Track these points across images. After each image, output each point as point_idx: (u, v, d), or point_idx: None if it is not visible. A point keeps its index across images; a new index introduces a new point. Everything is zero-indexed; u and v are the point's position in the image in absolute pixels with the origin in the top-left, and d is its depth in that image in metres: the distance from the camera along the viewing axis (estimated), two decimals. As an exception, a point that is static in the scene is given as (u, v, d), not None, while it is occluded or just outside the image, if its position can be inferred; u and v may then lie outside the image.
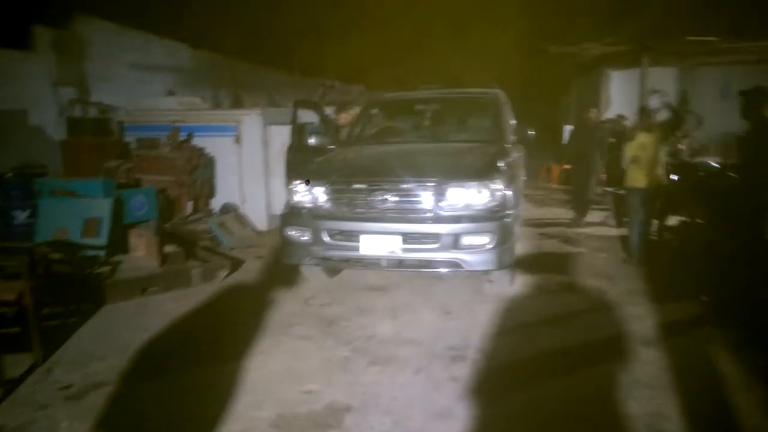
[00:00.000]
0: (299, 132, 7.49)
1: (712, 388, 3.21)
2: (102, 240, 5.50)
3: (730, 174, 6.50)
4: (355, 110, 8.98)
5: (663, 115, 8.07)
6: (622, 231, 7.06)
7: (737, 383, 3.24)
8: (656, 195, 5.97)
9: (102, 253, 5.43)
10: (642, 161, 5.75)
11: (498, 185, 4.45)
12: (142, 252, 5.52)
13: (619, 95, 13.57)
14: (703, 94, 13.49)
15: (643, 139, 5.81)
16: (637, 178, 5.79)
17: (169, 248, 5.47)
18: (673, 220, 6.61)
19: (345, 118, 8.02)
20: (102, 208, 5.66)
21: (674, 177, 6.61)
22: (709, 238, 5.90)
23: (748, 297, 4.36)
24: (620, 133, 8.11)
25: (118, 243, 5.65)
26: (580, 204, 8.20)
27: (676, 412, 2.95)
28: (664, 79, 13.25)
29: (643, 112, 6.37)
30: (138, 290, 4.94)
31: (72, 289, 4.66)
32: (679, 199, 6.44)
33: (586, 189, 8.03)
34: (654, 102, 5.71)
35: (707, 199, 6.02)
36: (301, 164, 6.21)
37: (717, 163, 7.90)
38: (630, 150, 5.87)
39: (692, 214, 6.35)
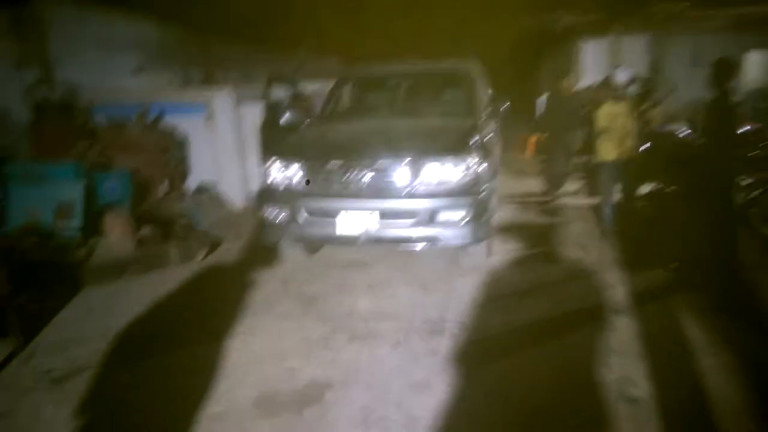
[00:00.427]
0: (273, 109, 7.41)
1: (680, 354, 3.35)
2: (76, 223, 5.43)
3: (700, 142, 6.67)
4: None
5: (633, 89, 8.06)
6: (597, 200, 7.17)
7: (705, 348, 3.38)
8: (628, 167, 5.82)
9: (77, 236, 5.36)
10: (612, 132, 5.62)
11: (472, 159, 4.49)
12: (117, 235, 5.46)
13: (592, 65, 13.64)
14: (674, 61, 13.65)
15: (612, 108, 5.64)
16: (608, 151, 5.66)
17: (144, 230, 5.43)
18: (645, 188, 6.75)
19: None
20: (74, 190, 5.57)
21: (646, 145, 6.75)
22: (681, 205, 6.07)
23: (718, 263, 4.52)
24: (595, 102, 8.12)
25: (93, 226, 5.57)
26: (554, 176, 7.99)
27: (644, 377, 3.08)
28: (635, 48, 13.35)
29: (606, 82, 6.24)
30: (116, 273, 4.92)
31: (49, 274, 4.62)
32: (651, 167, 6.57)
33: (560, 161, 7.84)
34: (622, 75, 5.61)
35: (678, 167, 6.17)
36: (275, 142, 6.17)
37: (687, 130, 8.08)
38: (598, 121, 5.69)
39: (664, 181, 6.51)
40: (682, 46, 13.58)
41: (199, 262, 5.37)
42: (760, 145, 5.88)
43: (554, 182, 7.93)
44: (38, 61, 9.45)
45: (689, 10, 10.83)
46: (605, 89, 5.82)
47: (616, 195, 5.92)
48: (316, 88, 8.55)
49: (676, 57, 13.65)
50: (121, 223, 5.38)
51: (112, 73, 10.20)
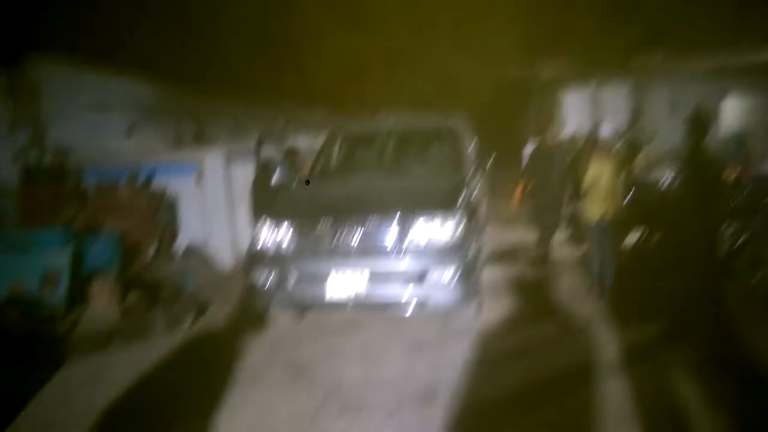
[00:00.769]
0: (264, 168, 7.47)
1: (675, 415, 3.30)
2: (61, 292, 5.35)
3: (681, 193, 6.76)
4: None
5: (619, 143, 8.04)
6: (586, 253, 7.18)
7: (696, 406, 3.33)
8: (617, 229, 5.48)
9: (61, 306, 5.28)
10: (599, 191, 5.30)
11: (461, 217, 4.52)
12: (103, 302, 5.38)
13: (574, 113, 14.00)
14: (654, 109, 14.05)
15: (600, 166, 5.32)
16: (595, 211, 5.35)
17: (131, 297, 5.36)
18: (631, 237, 6.80)
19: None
20: (61, 258, 5.51)
21: (631, 194, 6.82)
22: (667, 254, 6.10)
23: (706, 314, 4.50)
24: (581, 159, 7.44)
25: (78, 294, 5.49)
26: (544, 230, 7.53)
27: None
28: (615, 97, 13.75)
29: (592, 137, 5.90)
30: (100, 344, 4.81)
31: (32, 347, 4.52)
32: (636, 216, 6.63)
33: (549, 214, 7.44)
34: (606, 129, 5.42)
35: (661, 217, 6.24)
36: (266, 202, 6.19)
37: (670, 178, 8.21)
38: (585, 179, 5.41)
39: (649, 230, 6.57)
40: (661, 94, 14.01)
41: (187, 329, 5.28)
42: (743, 192, 5.97)
43: (544, 236, 7.57)
44: (30, 122, 9.55)
45: (667, 60, 11.22)
46: (591, 144, 5.54)
47: (606, 256, 5.49)
48: (305, 144, 8.64)
49: (655, 104, 14.07)
50: (107, 290, 5.31)
51: (104, 134, 10.31)
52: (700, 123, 4.77)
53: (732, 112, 13.78)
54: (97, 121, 10.97)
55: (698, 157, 4.73)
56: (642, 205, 6.49)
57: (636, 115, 13.33)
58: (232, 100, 17.11)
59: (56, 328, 4.84)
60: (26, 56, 9.91)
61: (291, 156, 7.69)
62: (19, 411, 3.78)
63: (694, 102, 13.46)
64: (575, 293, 5.82)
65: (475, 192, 5.63)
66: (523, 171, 8.52)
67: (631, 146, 7.90)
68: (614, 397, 3.55)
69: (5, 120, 9.10)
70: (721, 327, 4.32)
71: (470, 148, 6.68)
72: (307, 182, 5.94)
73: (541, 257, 7.22)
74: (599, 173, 5.30)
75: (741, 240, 5.61)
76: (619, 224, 5.53)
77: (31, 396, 3.99)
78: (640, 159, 10.46)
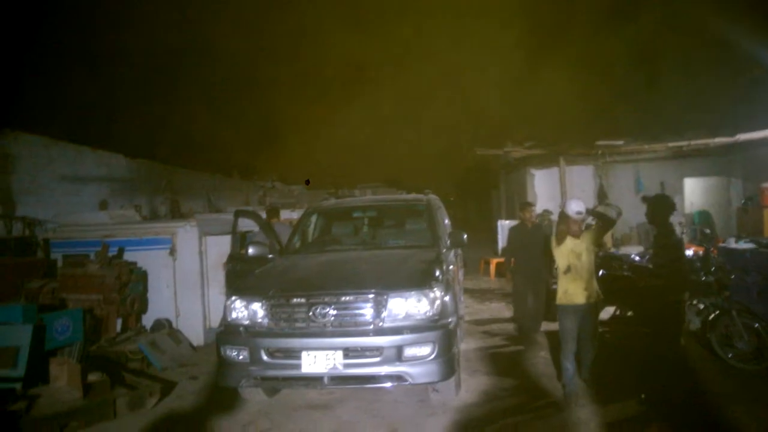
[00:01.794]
0: (239, 241, 7.44)
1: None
2: (19, 371, 5.05)
3: (650, 269, 6.93)
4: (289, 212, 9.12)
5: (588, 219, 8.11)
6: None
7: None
8: (593, 313, 4.99)
9: (18, 385, 4.98)
10: (574, 272, 4.87)
11: (437, 293, 4.52)
12: (63, 382, 5.08)
13: (543, 191, 14.49)
14: (619, 187, 14.66)
15: (574, 245, 4.91)
16: (572, 292, 4.85)
17: (93, 376, 5.11)
18: (604, 313, 6.85)
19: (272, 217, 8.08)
20: (20, 335, 5.25)
21: (602, 271, 6.94)
22: (639, 332, 6.15)
23: (680, 392, 4.50)
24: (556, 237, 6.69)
25: (38, 372, 5.19)
26: (532, 322, 7.22)
27: None
28: (582, 176, 14.34)
29: (563, 215, 5.13)
30: (57, 427, 4.51)
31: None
32: (608, 291, 6.72)
33: (534, 297, 7.13)
34: (573, 207, 5.09)
35: (631, 295, 6.33)
36: (241, 275, 6.11)
37: (638, 254, 8.42)
38: (560, 259, 4.97)
39: (622, 307, 6.63)
40: (625, 174, 14.67)
41: (150, 409, 5.01)
42: (711, 269, 6.13)
43: (532, 322, 7.23)
44: (-1, 194, 9.44)
45: (628, 145, 11.86)
46: (563, 223, 5.02)
47: (585, 336, 4.94)
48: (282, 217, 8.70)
49: (620, 183, 14.69)
50: (68, 369, 5.04)
51: (76, 208, 10.22)
52: (663, 204, 4.99)
53: (693, 191, 14.45)
54: (69, 195, 10.93)
55: (663, 238, 4.91)
56: (614, 278, 6.59)
57: (602, 193, 13.85)
58: (206, 176, 17.27)
59: (13, 409, 4.53)
60: (0, 131, 9.96)
61: (269, 229, 7.71)
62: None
63: (658, 181, 14.21)
64: (554, 367, 5.75)
65: (451, 266, 5.67)
66: (504, 249, 8.44)
67: (600, 222, 8.03)
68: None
69: (-26, 191, 8.98)
70: (699, 405, 4.31)
71: (445, 223, 6.82)
72: (281, 257, 5.91)
73: (529, 329, 7.19)
74: (576, 251, 4.90)
75: (712, 316, 5.70)
76: (598, 304, 5.04)
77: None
78: (608, 235, 10.77)
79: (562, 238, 4.95)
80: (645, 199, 5.22)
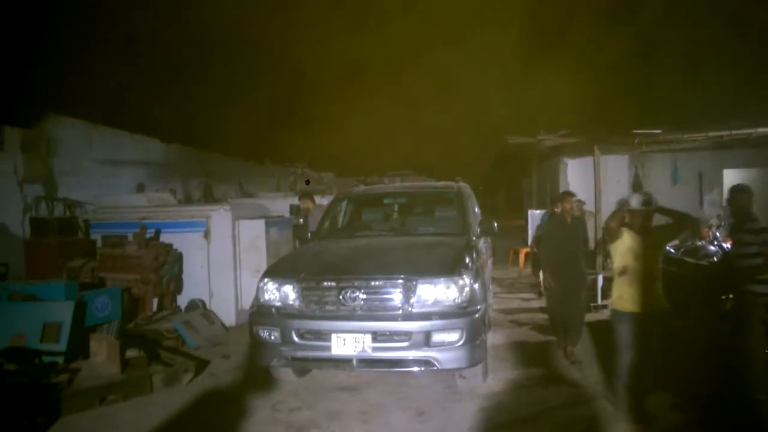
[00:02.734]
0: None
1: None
2: (61, 346, 5.28)
3: (687, 260, 6.78)
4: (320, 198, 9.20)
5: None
6: (593, 315, 7.08)
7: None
8: (654, 326, 4.15)
9: (61, 359, 5.20)
10: (633, 274, 4.16)
11: (466, 280, 4.52)
12: (102, 357, 5.29)
13: (576, 181, 14.21)
14: (655, 178, 14.28)
15: (634, 243, 4.20)
16: (628, 298, 4.18)
17: (131, 352, 5.29)
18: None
19: (306, 203, 8.14)
20: (62, 311, 5.48)
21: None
22: (673, 323, 6.02)
23: (716, 386, 4.40)
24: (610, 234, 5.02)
25: (79, 347, 5.41)
26: (569, 326, 5.88)
27: None
28: (617, 165, 14.01)
29: (622, 210, 4.36)
30: (96, 400, 4.70)
31: (26, 400, 4.42)
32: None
33: (573, 304, 5.89)
34: (635, 201, 4.25)
35: (668, 286, 6.19)
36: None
37: (674, 247, 8.23)
38: (616, 257, 4.33)
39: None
40: (661, 164, 14.27)
41: (185, 386, 5.17)
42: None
43: (572, 333, 5.89)
44: (42, 178, 9.78)
45: (666, 134, 11.51)
46: (619, 218, 4.29)
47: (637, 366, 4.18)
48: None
49: (656, 173, 14.30)
50: (107, 345, 5.24)
51: (114, 190, 10.52)
52: (743, 194, 4.68)
53: (732, 183, 13.97)
54: (108, 178, 11.25)
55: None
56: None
57: (637, 183, 13.52)
58: (238, 161, 17.52)
59: (54, 381, 4.74)
60: (44, 114, 10.28)
61: (299, 213, 7.86)
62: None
63: (696, 172, 13.78)
64: (582, 356, 5.69)
65: (481, 254, 5.65)
66: (538, 243, 7.09)
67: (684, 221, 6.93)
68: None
69: (19, 173, 9.32)
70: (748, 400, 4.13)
71: (475, 211, 6.79)
72: (312, 241, 5.99)
73: (569, 351, 5.76)
74: (636, 251, 4.19)
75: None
76: (662, 315, 4.22)
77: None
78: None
79: (616, 234, 4.27)
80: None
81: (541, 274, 7.73)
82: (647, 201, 4.20)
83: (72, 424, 4.35)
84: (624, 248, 4.26)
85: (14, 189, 9.10)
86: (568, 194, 6.33)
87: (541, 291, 8.31)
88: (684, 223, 4.35)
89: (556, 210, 7.46)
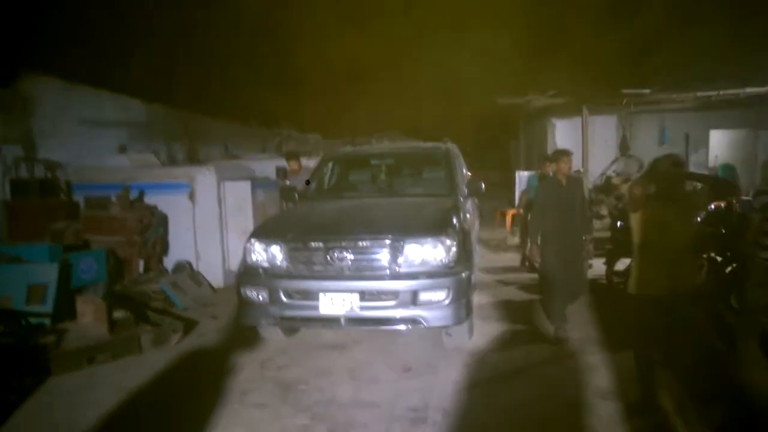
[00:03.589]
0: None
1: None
2: (47, 307, 5.27)
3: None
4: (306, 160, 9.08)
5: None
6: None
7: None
8: (683, 308, 3.56)
9: (47, 321, 5.20)
10: (656, 250, 3.50)
11: (453, 240, 4.54)
12: (89, 318, 5.28)
13: (564, 142, 14.19)
14: (643, 139, 14.32)
15: (660, 212, 3.51)
16: (651, 278, 3.53)
17: (118, 313, 5.29)
18: (620, 265, 6.84)
19: (292, 165, 7.83)
20: (47, 273, 5.44)
21: (620, 223, 6.89)
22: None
23: (695, 345, 4.50)
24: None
25: (65, 309, 5.40)
26: (555, 305, 5.22)
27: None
28: (605, 126, 13.99)
29: (659, 164, 3.61)
30: (84, 360, 4.72)
31: (14, 361, 4.42)
32: (626, 243, 6.66)
33: (577, 281, 5.37)
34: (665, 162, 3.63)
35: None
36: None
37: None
38: (636, 232, 3.67)
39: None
40: (649, 125, 14.29)
41: (174, 346, 5.20)
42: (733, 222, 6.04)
43: (556, 311, 5.21)
44: (21, 138, 9.53)
45: (655, 94, 11.47)
46: (640, 184, 3.64)
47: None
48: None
49: (644, 134, 14.33)
50: (94, 306, 5.22)
51: (95, 151, 10.30)
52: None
53: (718, 144, 14.08)
54: (89, 139, 10.99)
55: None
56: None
57: (625, 145, 13.56)
58: (222, 124, 17.22)
59: (41, 342, 4.74)
60: (21, 73, 9.95)
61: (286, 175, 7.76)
62: (0, 424, 3.69)
63: (683, 133, 13.83)
64: (568, 314, 5.78)
65: (467, 215, 5.66)
66: (528, 209, 6.82)
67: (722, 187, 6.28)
68: (607, 423, 3.53)
69: (-3, 134, 9.08)
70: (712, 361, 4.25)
71: (463, 172, 6.76)
72: (299, 202, 5.95)
73: (560, 336, 5.09)
74: (662, 221, 3.50)
75: (730, 268, 5.64)
76: (690, 308, 3.65)
77: (10, 411, 3.89)
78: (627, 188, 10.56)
79: (640, 202, 3.59)
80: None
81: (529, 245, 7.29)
82: (679, 162, 3.57)
83: (61, 384, 4.37)
84: (649, 219, 3.53)
85: (-8, 149, 8.87)
86: (564, 153, 5.48)
87: (529, 264, 7.93)
88: (721, 191, 3.93)
89: (546, 170, 7.32)
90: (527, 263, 8.23)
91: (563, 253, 5.19)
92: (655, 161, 3.66)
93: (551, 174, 6.22)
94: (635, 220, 3.67)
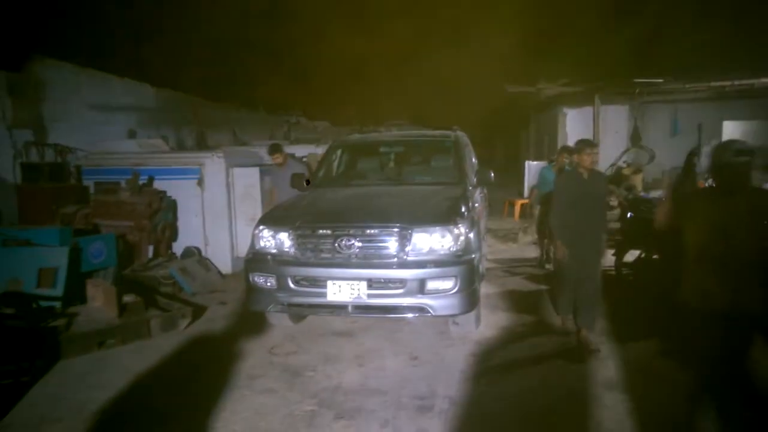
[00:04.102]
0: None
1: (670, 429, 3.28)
2: (58, 291, 5.31)
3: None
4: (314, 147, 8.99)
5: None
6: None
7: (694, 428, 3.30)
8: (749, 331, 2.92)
9: (58, 304, 5.25)
10: (723, 257, 2.85)
11: (461, 229, 4.52)
12: (99, 302, 5.34)
13: (575, 131, 14.08)
14: (654, 129, 14.17)
15: (724, 212, 2.90)
16: (711, 292, 2.89)
17: (127, 297, 5.33)
18: (629, 256, 6.80)
19: (276, 158, 7.17)
20: (58, 257, 5.48)
21: (630, 213, 6.84)
22: (665, 274, 6.10)
23: (702, 337, 4.48)
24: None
25: (75, 293, 5.46)
26: (586, 307, 4.76)
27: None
28: (617, 116, 13.86)
29: (720, 155, 2.99)
30: (95, 344, 4.77)
31: (25, 344, 4.48)
32: (635, 234, 6.63)
33: (592, 284, 4.76)
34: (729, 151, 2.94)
35: (661, 235, 6.24)
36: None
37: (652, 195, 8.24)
38: (691, 234, 3.04)
39: (647, 249, 6.57)
40: (661, 115, 14.13)
41: (182, 331, 5.24)
42: None
43: (586, 314, 4.75)
44: (31, 122, 9.58)
45: (667, 83, 11.33)
46: (689, 177, 3.10)
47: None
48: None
49: (656, 124, 14.18)
50: (104, 290, 5.27)
51: (105, 136, 10.34)
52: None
53: (731, 135, 13.91)
54: (99, 123, 11.03)
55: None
56: (642, 221, 6.46)
57: (636, 135, 13.41)
58: (232, 109, 17.21)
59: (52, 325, 4.80)
60: (31, 57, 9.97)
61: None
62: (12, 405, 3.74)
63: (695, 123, 13.66)
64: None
65: (476, 204, 5.64)
66: (546, 204, 6.15)
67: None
68: (613, 412, 3.53)
69: (7, 118, 9.12)
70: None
71: (472, 161, 6.73)
72: (308, 189, 5.95)
73: (567, 326, 4.96)
74: (719, 223, 2.89)
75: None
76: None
77: (23, 392, 3.94)
78: (641, 177, 10.45)
79: (690, 200, 3.12)
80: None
81: (546, 243, 7.33)
82: (744, 151, 2.94)
83: (71, 367, 4.43)
84: (706, 220, 2.95)
85: (4, 134, 8.92)
86: (588, 144, 4.85)
87: (546, 266, 7.53)
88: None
89: (563, 161, 7.03)
90: (547, 264, 7.52)
91: (581, 252, 4.74)
92: (716, 150, 3.02)
93: (568, 166, 5.99)
94: (690, 221, 3.04)
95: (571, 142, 6.87)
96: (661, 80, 11.31)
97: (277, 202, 6.61)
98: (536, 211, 8.01)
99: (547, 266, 7.60)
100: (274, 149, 7.16)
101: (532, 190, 9.31)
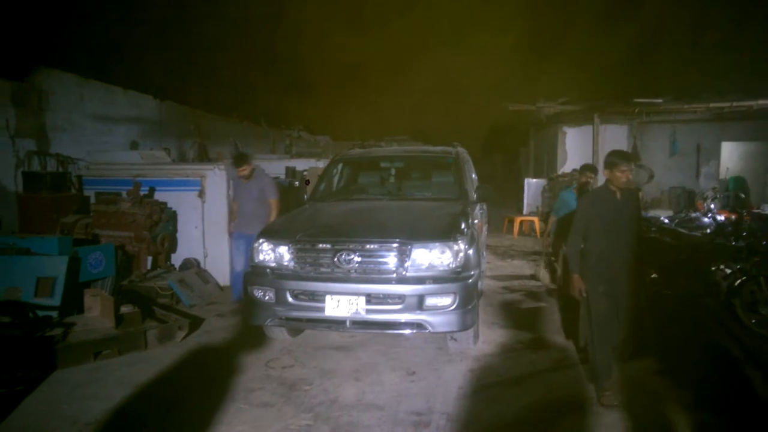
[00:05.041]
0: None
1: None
2: (55, 300, 5.30)
3: (680, 230, 6.82)
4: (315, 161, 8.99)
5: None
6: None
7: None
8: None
9: (55, 314, 5.24)
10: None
11: (461, 246, 4.53)
12: (96, 312, 5.32)
13: (574, 150, 14.18)
14: (653, 149, 14.27)
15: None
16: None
17: (125, 308, 5.31)
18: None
19: (243, 170, 6.58)
20: (57, 266, 5.48)
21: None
22: (662, 293, 6.12)
23: (698, 355, 4.49)
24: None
25: (73, 302, 5.45)
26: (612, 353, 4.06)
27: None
28: (616, 135, 13.95)
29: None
30: (90, 354, 4.75)
31: (20, 353, 4.46)
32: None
33: (628, 324, 4.06)
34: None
35: (659, 255, 6.27)
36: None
37: (668, 218, 8.28)
38: None
39: (646, 268, 6.58)
40: (659, 135, 14.23)
41: (179, 342, 5.22)
42: (742, 234, 6.02)
43: (604, 366, 3.98)
44: (34, 132, 9.64)
45: (667, 104, 11.43)
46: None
47: None
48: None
49: (654, 144, 14.28)
50: (101, 300, 5.26)
51: (107, 147, 10.40)
52: None
53: (731, 155, 14.00)
54: (101, 134, 11.10)
55: None
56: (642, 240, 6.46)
57: (635, 154, 13.49)
58: (234, 122, 17.32)
59: (48, 335, 4.78)
60: (35, 67, 10.07)
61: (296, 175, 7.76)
62: (6, 415, 3.71)
63: (694, 144, 13.76)
64: (570, 323, 5.77)
65: (476, 220, 5.65)
66: (565, 228, 5.21)
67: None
68: (611, 430, 3.51)
69: (10, 127, 9.18)
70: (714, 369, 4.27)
71: (472, 177, 6.76)
72: (307, 203, 5.97)
73: (608, 403, 3.86)
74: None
75: (738, 282, 5.62)
76: None
77: (16, 403, 3.92)
78: (641, 196, 10.47)
79: None
80: None
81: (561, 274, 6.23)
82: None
83: (67, 377, 4.40)
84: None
85: (6, 143, 8.97)
86: (623, 156, 4.07)
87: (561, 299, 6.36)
88: None
89: (584, 180, 6.36)
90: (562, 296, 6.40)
91: (612, 287, 3.96)
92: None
93: (591, 185, 5.64)
94: None
95: (570, 161, 6.89)
96: (660, 100, 11.42)
97: (240, 216, 6.60)
98: (548, 240, 7.26)
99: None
100: (241, 160, 6.61)
101: (547, 215, 8.38)
